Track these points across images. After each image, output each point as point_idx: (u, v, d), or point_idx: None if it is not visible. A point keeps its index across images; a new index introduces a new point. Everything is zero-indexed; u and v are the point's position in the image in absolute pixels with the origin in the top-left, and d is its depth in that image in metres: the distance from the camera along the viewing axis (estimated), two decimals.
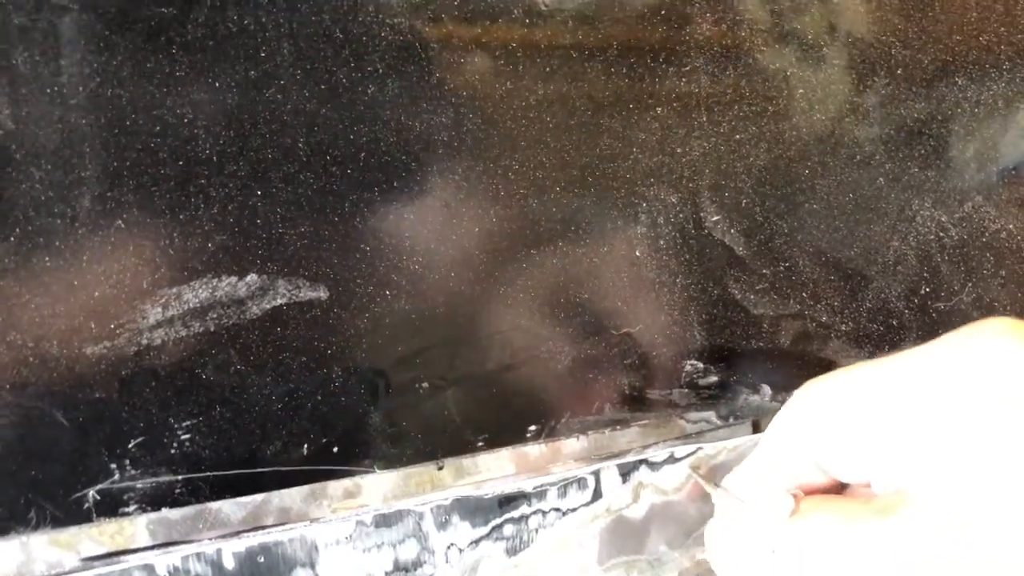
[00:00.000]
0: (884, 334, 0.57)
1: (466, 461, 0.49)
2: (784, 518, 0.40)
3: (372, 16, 0.42)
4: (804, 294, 0.54)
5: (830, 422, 0.40)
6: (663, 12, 0.47)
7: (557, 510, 0.51)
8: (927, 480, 0.36)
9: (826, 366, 0.56)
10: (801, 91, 0.51)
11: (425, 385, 0.47)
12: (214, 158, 0.40)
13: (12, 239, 0.38)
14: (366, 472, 0.47)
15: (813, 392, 0.41)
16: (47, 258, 0.39)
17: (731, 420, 0.55)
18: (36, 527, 0.41)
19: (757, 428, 0.55)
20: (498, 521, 0.50)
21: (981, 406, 0.35)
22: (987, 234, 0.58)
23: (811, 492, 0.42)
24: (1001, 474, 0.34)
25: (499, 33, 0.44)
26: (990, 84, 0.56)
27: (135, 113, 0.39)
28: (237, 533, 0.45)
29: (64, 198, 0.39)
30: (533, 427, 0.50)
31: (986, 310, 0.59)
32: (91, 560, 0.43)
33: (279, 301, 0.43)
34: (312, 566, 0.46)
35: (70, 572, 0.42)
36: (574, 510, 0.52)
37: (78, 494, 0.42)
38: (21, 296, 0.39)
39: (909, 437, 0.37)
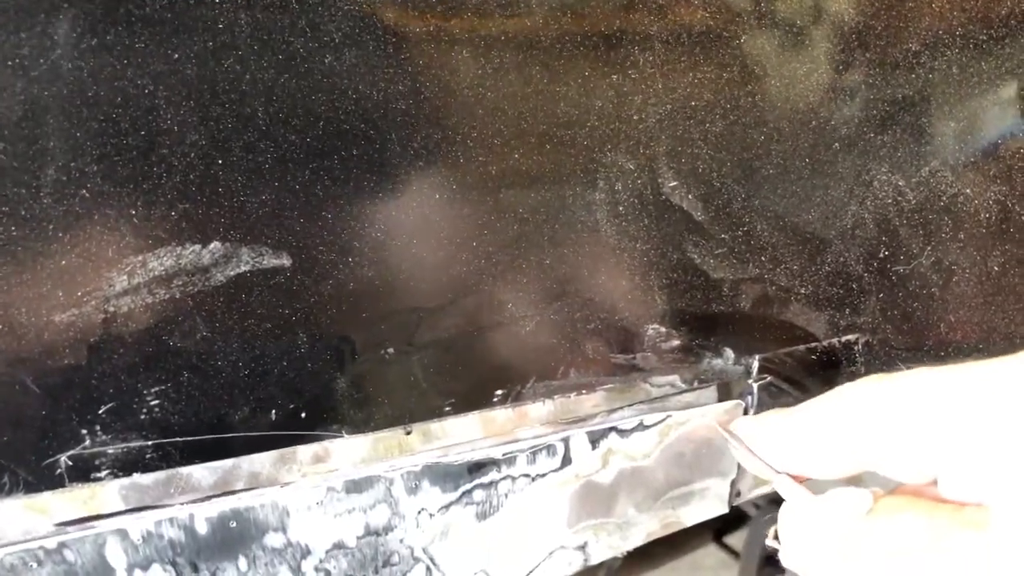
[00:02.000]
0: (844, 297, 0.58)
1: (434, 426, 0.50)
2: (862, 515, 0.40)
3: None
4: (763, 258, 0.55)
5: (899, 417, 0.40)
6: None
7: (527, 476, 0.52)
8: (1016, 495, 0.35)
9: (787, 328, 0.57)
10: (757, 57, 0.52)
11: (391, 351, 0.48)
12: (175, 128, 0.41)
13: None
14: (335, 437, 0.48)
15: (877, 387, 0.41)
16: (13, 228, 0.40)
17: (696, 384, 0.56)
18: (9, 492, 0.42)
19: (723, 392, 0.56)
20: (468, 486, 0.51)
21: None
22: (944, 198, 0.59)
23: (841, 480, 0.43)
24: None
25: (456, 2, 0.45)
26: (973, 58, 0.58)
27: (96, 85, 0.40)
28: (208, 498, 0.46)
29: (28, 169, 0.39)
30: (499, 391, 0.51)
31: (945, 273, 0.60)
32: (64, 525, 0.44)
33: (243, 268, 0.44)
34: (284, 530, 0.47)
35: (44, 537, 0.43)
36: (544, 476, 0.53)
37: (50, 460, 0.43)
38: None
39: (989, 444, 0.37)
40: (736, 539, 1.72)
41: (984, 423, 0.37)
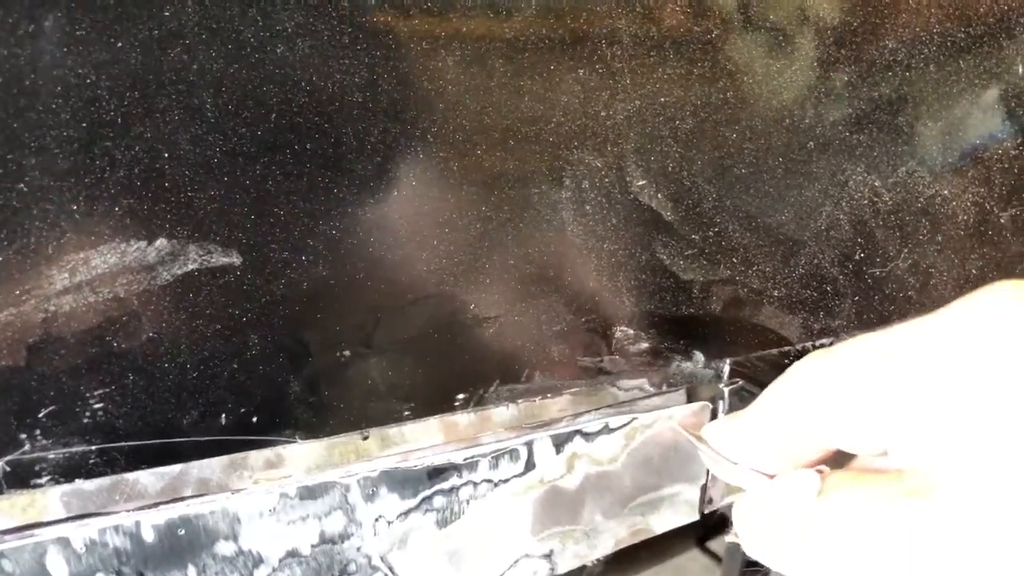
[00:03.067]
0: (818, 299, 0.56)
1: (392, 431, 0.48)
2: (812, 497, 0.40)
3: None
4: (735, 259, 0.54)
5: (841, 390, 0.39)
6: None
7: (489, 481, 0.51)
8: (958, 458, 0.35)
9: (760, 332, 0.56)
10: (729, 54, 0.51)
11: (347, 353, 0.46)
12: (119, 120, 0.40)
13: None
14: (288, 442, 0.46)
15: (818, 363, 0.41)
16: None
17: (664, 387, 0.54)
18: None
19: (691, 395, 0.55)
20: (428, 492, 0.49)
21: (999, 376, 0.34)
22: (922, 199, 0.57)
23: (808, 464, 0.42)
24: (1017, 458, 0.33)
25: None
26: (951, 57, 0.56)
27: (35, 74, 0.38)
28: (155, 504, 0.45)
29: None
30: (461, 395, 0.50)
31: (923, 276, 0.59)
32: (2, 534, 0.42)
33: (190, 267, 0.42)
34: (235, 538, 0.46)
35: None
36: (506, 481, 0.51)
37: None
38: None
39: (930, 407, 0.36)
40: (719, 544, 1.71)
41: (920, 385, 0.36)
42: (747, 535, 0.44)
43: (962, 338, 0.36)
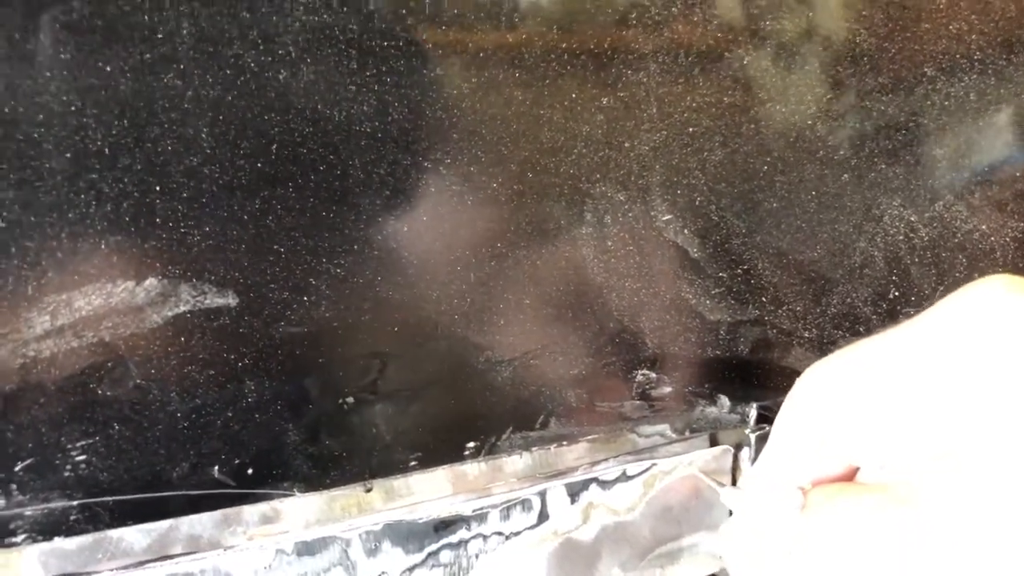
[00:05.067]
0: (851, 340, 0.53)
1: (397, 482, 0.45)
2: (795, 514, 0.39)
3: None
4: (764, 299, 0.50)
5: (836, 402, 0.38)
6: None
7: (500, 534, 0.48)
8: (944, 465, 0.34)
9: (788, 375, 0.52)
10: (758, 81, 0.47)
11: (350, 400, 0.43)
12: (106, 150, 0.37)
13: None
14: (285, 495, 0.43)
15: (815, 374, 0.40)
16: None
17: (687, 433, 0.51)
18: None
19: (715, 441, 0.52)
20: (434, 547, 0.46)
21: (984, 378, 0.33)
22: (959, 235, 0.54)
23: (823, 482, 0.40)
24: (1012, 460, 0.33)
25: (428, 14, 0.40)
26: (968, 84, 0.53)
27: (14, 100, 0.35)
28: (141, 564, 0.41)
29: None
30: (472, 444, 0.47)
31: None
32: None
33: (182, 308, 0.39)
34: None
35: None
36: (518, 533, 0.48)
37: None
38: None
39: (915, 415, 0.35)
40: None
41: (903, 393, 0.36)
42: (734, 559, 0.43)
43: (946, 340, 0.35)
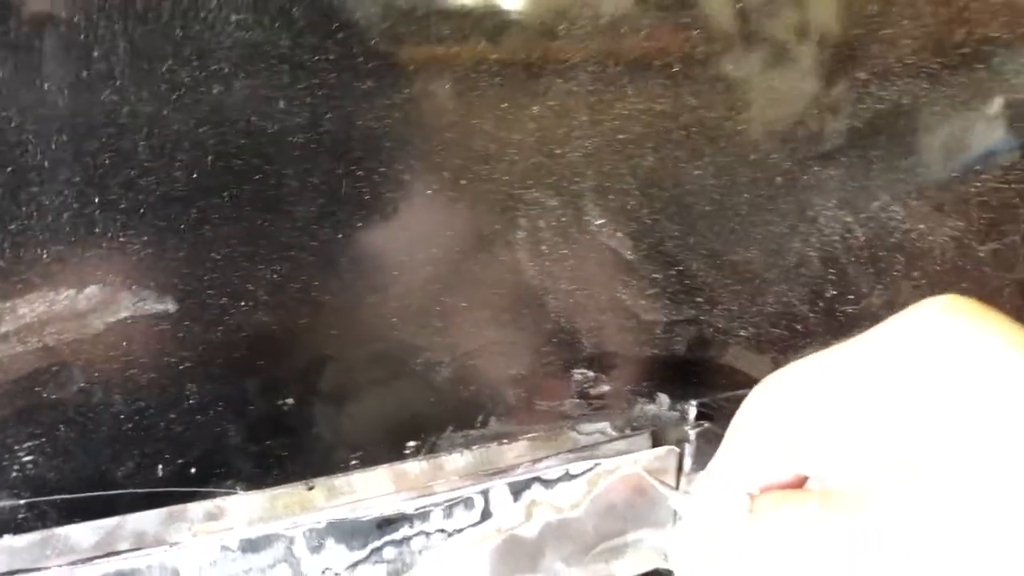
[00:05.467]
0: (789, 338, 0.55)
1: (339, 480, 0.47)
2: (743, 518, 0.40)
3: (215, 12, 0.39)
4: (699, 298, 0.52)
5: (789, 412, 0.39)
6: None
7: (443, 531, 0.49)
8: (890, 476, 0.35)
9: (727, 372, 0.54)
10: (691, 89, 0.49)
11: (290, 401, 0.45)
12: (45, 164, 0.38)
13: None
14: (228, 494, 0.44)
15: (769, 385, 0.41)
16: None
17: (627, 431, 0.53)
18: None
19: (656, 439, 0.53)
20: (377, 544, 0.48)
21: (926, 395, 0.34)
22: (896, 235, 0.56)
23: (772, 488, 0.41)
24: (955, 470, 0.33)
25: (357, 28, 0.42)
26: (900, 89, 0.55)
27: None
28: (89, 559, 0.43)
29: None
30: (412, 443, 0.48)
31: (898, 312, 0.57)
32: None
33: (123, 314, 0.41)
34: None
35: None
36: (461, 531, 0.50)
37: None
38: None
39: (864, 427, 0.36)
40: None
41: (851, 402, 0.37)
42: (682, 562, 0.44)
43: (894, 356, 0.36)
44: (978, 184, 0.58)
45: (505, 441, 0.50)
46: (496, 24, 0.44)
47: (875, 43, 0.53)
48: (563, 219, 0.48)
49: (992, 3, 0.55)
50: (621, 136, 0.47)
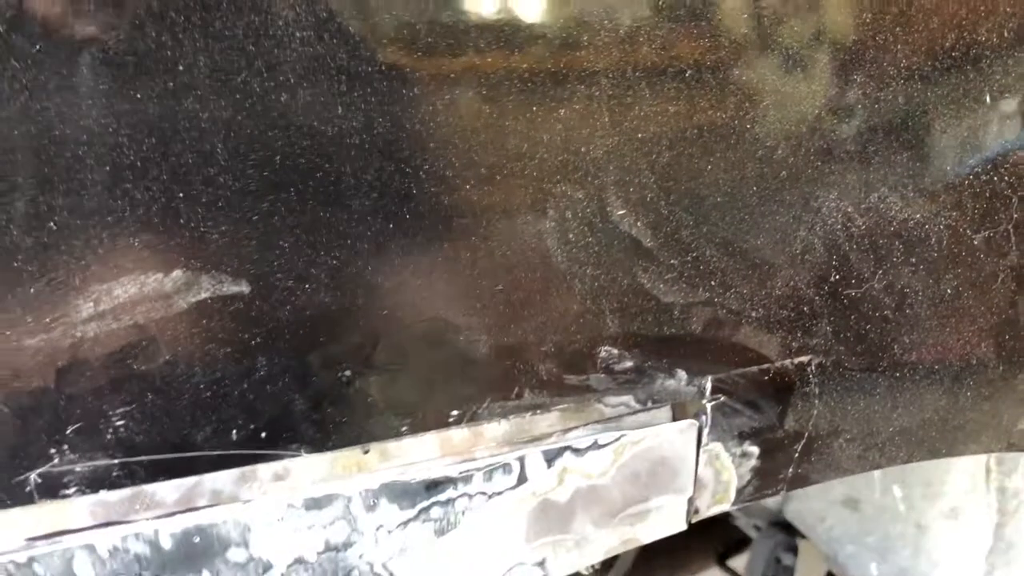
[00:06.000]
0: (796, 319, 0.60)
1: (391, 445, 0.52)
2: None
3: (282, 30, 0.45)
4: (713, 282, 0.57)
5: None
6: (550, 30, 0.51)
7: (483, 493, 0.54)
8: None
9: (739, 350, 0.59)
10: (702, 92, 0.54)
11: (348, 373, 0.50)
12: (138, 163, 0.44)
13: None
14: (294, 456, 0.50)
15: None
16: None
17: (649, 404, 0.58)
18: None
19: (676, 412, 0.58)
20: (426, 504, 0.53)
21: None
22: (895, 223, 0.60)
23: None
24: None
25: (405, 40, 0.48)
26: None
27: (63, 124, 0.42)
28: (172, 514, 0.48)
29: None
30: (455, 412, 0.53)
31: (898, 296, 0.62)
32: (35, 540, 0.46)
33: (203, 295, 0.46)
34: (246, 545, 0.49)
35: (15, 551, 0.45)
36: (500, 493, 0.55)
37: (20, 477, 0.45)
38: None
39: None
40: (739, 562, 1.73)
41: None
42: None
43: None
44: (971, 177, 0.63)
45: (538, 412, 0.55)
46: (523, 36, 0.50)
47: (869, 48, 0.58)
48: (588, 210, 0.53)
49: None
50: (640, 135, 0.53)
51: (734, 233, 0.57)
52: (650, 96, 0.53)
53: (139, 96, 0.44)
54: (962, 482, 1.09)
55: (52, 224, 0.43)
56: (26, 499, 0.45)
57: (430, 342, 0.52)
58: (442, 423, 0.53)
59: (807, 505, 1.41)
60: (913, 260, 0.62)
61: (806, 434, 0.63)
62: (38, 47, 0.42)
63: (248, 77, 0.45)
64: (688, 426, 0.59)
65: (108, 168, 0.44)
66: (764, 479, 0.63)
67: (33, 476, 0.45)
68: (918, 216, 0.61)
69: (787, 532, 1.55)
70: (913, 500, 1.15)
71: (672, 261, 0.56)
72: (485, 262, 0.52)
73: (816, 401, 0.63)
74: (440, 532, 0.53)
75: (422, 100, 0.48)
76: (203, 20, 0.44)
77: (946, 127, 0.61)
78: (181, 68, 0.44)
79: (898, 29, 0.58)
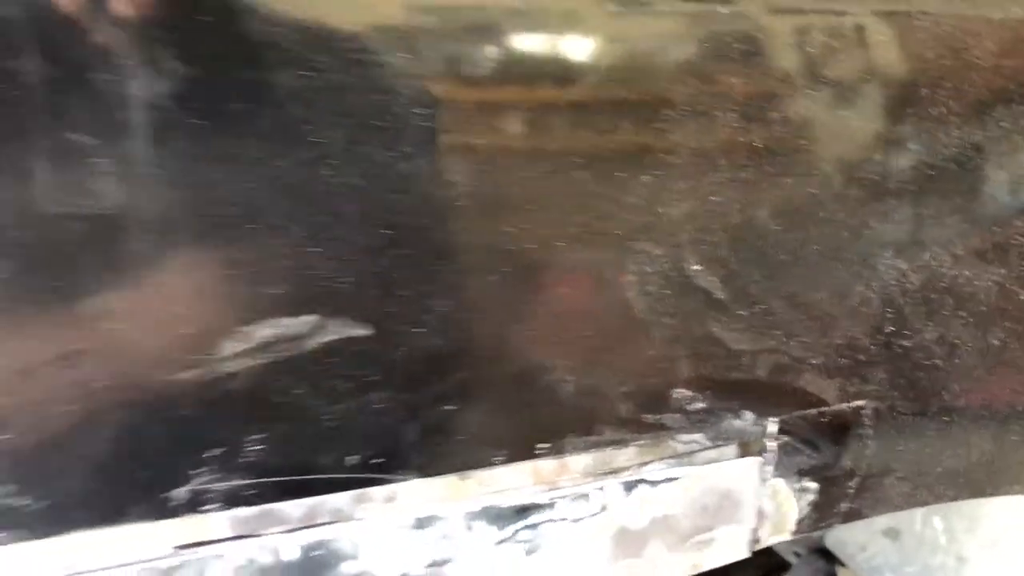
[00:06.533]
0: (853, 366, 0.65)
1: (487, 473, 0.58)
2: None
3: (401, 107, 0.52)
4: (778, 332, 0.63)
5: None
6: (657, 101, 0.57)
7: (567, 519, 0.60)
8: None
9: (801, 394, 0.64)
10: (770, 164, 0.60)
11: (452, 407, 0.56)
12: (278, 222, 0.51)
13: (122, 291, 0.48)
14: (403, 480, 0.56)
15: None
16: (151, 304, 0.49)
17: (718, 442, 0.63)
18: (136, 519, 0.51)
19: (742, 449, 0.64)
20: (517, 526, 0.59)
21: None
22: (945, 280, 0.66)
23: None
24: None
25: (505, 106, 0.54)
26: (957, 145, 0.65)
27: (220, 187, 0.49)
28: (297, 529, 0.55)
29: (155, 259, 0.49)
30: (544, 445, 0.59)
31: (948, 347, 0.67)
32: (181, 548, 0.52)
33: (330, 337, 0.53)
34: (359, 559, 0.55)
35: (163, 558, 0.52)
36: (582, 519, 0.60)
37: (167, 493, 0.52)
38: (129, 332, 0.49)
39: None
40: None
41: None
42: None
43: None
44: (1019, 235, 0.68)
45: (618, 446, 0.61)
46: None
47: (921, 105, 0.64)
48: (666, 265, 0.59)
49: None
50: (714, 199, 0.59)
51: (798, 287, 0.62)
52: (723, 166, 0.59)
53: (281, 164, 0.50)
54: (1003, 516, 1.12)
55: (204, 274, 0.50)
56: (172, 513, 0.52)
57: (524, 382, 0.58)
58: (532, 454, 0.59)
59: (848, 534, 1.44)
60: (962, 313, 0.67)
61: (860, 472, 0.69)
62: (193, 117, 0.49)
63: (372, 147, 0.52)
64: (753, 463, 0.65)
65: (251, 226, 0.50)
66: (821, 512, 0.68)
67: (179, 493, 0.52)
68: (967, 273, 0.66)
69: (826, 559, 1.57)
70: (955, 532, 1.18)
71: (742, 312, 0.61)
72: (575, 310, 0.58)
73: (870, 442, 0.68)
74: (528, 552, 0.59)
75: (522, 169, 0.55)
76: (338, 97, 0.51)
77: (993, 193, 0.66)
78: (318, 140, 0.51)
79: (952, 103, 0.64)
